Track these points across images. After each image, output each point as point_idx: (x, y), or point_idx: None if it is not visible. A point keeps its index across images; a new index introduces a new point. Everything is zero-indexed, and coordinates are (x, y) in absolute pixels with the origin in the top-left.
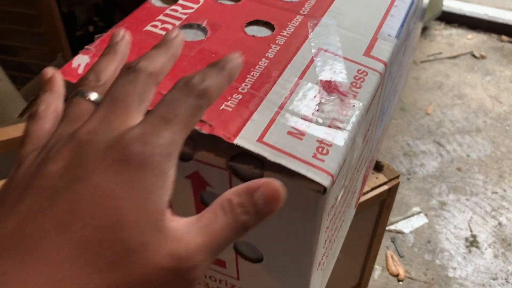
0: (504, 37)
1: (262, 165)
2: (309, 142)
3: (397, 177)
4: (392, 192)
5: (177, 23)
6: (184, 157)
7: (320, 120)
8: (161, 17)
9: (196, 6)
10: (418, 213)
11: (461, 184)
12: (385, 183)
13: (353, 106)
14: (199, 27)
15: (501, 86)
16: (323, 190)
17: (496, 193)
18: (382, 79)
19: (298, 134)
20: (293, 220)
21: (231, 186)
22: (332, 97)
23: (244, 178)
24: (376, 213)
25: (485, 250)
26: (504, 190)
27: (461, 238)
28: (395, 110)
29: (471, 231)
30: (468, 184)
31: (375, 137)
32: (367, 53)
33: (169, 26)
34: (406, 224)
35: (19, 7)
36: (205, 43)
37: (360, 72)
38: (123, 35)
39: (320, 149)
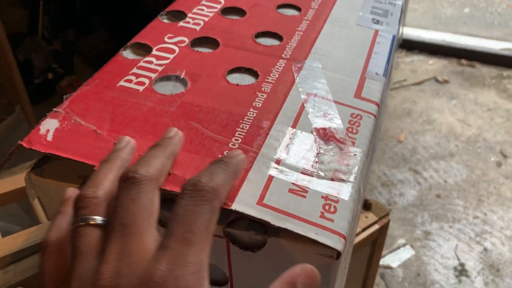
0: (464, 61)
1: (264, 230)
2: (314, 200)
3: (387, 214)
4: (383, 231)
5: (153, 75)
6: None
7: (322, 173)
8: (135, 70)
9: (171, 56)
10: (404, 245)
11: (443, 212)
12: (375, 222)
13: (355, 155)
14: (177, 78)
15: (467, 109)
16: (336, 255)
17: (478, 217)
18: (376, 121)
19: (300, 191)
20: None
21: (228, 255)
22: (330, 146)
23: (244, 246)
24: (368, 253)
25: (475, 279)
26: (485, 214)
27: (449, 267)
28: None
29: (458, 259)
30: (449, 211)
31: (368, 177)
32: (358, 94)
33: (145, 80)
34: (394, 257)
35: None
36: (186, 96)
37: (354, 116)
38: (128, 141)
39: (327, 207)
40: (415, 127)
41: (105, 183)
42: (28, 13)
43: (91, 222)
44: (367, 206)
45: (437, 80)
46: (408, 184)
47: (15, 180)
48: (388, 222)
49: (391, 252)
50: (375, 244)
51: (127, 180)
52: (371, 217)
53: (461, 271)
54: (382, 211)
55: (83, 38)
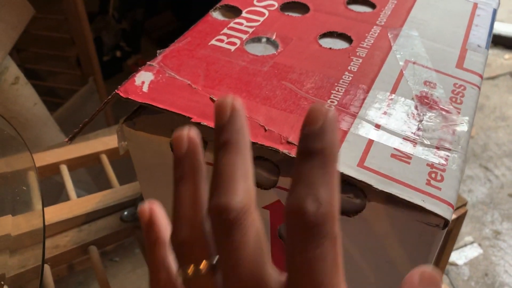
0: None
1: (363, 194)
2: (419, 167)
3: (465, 204)
4: (459, 222)
5: (244, 36)
6: (265, 184)
7: (426, 141)
8: (225, 30)
9: (261, 19)
10: (472, 243)
11: None
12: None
13: (461, 123)
14: (268, 40)
15: None
16: (443, 224)
17: None
18: (479, 94)
19: (403, 157)
20: (398, 259)
21: None
22: (434, 114)
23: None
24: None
25: None
26: None
27: None
28: None
29: None
30: None
31: None
32: (460, 65)
33: (236, 40)
34: (460, 255)
35: (52, 31)
36: (277, 57)
37: (457, 86)
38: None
39: (433, 175)
40: (487, 123)
41: (195, 220)
42: None
43: (202, 271)
44: None
45: None
46: (478, 181)
47: (88, 146)
48: (465, 213)
49: (457, 249)
50: (448, 235)
51: (220, 219)
52: None
53: None
54: (460, 201)
55: (149, 18)
